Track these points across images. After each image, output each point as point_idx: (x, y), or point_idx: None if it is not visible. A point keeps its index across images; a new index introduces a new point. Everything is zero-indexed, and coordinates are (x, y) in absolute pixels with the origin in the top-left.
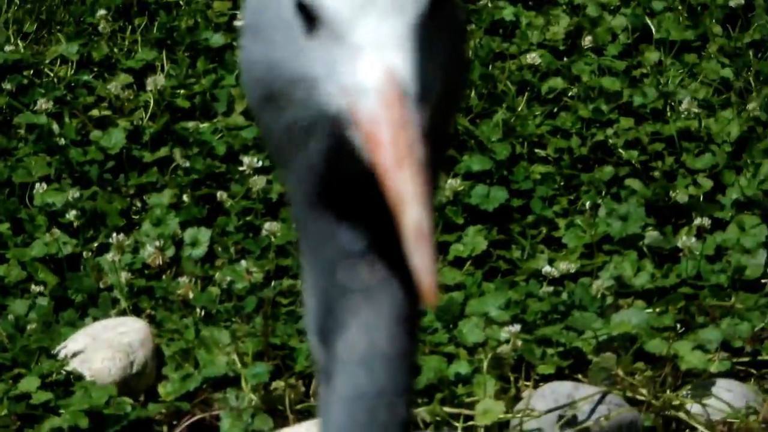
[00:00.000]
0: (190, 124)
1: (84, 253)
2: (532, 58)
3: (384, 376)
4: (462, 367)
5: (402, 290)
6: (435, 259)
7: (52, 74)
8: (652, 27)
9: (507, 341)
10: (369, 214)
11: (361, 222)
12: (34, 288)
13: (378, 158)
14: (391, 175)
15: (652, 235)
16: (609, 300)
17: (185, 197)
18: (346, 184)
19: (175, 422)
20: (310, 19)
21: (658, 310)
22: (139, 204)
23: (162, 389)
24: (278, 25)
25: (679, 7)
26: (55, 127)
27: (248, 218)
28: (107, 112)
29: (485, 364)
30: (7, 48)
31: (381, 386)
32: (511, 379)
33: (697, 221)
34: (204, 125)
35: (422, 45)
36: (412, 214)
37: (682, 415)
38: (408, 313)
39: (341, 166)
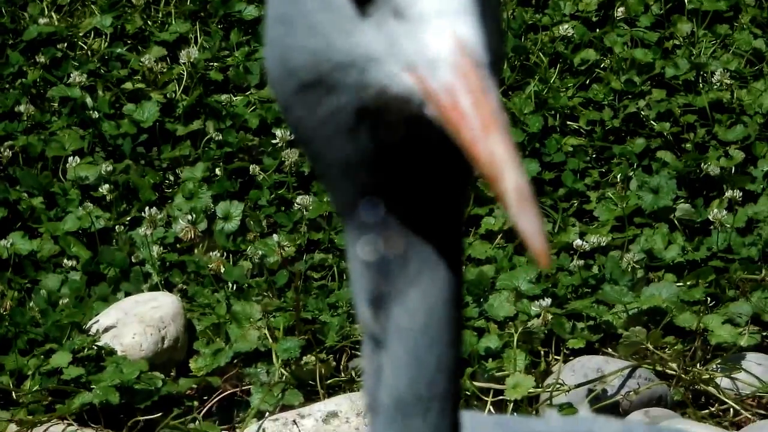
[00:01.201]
0: (223, 97)
1: (116, 227)
2: (565, 29)
3: (441, 345)
4: (492, 342)
5: (443, 262)
6: (541, 220)
7: (85, 47)
8: None
9: (537, 315)
10: (397, 188)
11: (386, 196)
12: (67, 262)
13: (461, 128)
14: (479, 142)
15: (683, 207)
16: (639, 273)
17: (218, 171)
18: (384, 162)
19: (206, 397)
20: None
21: (688, 283)
22: (171, 177)
23: (193, 364)
24: (321, 8)
25: None
26: (89, 100)
27: (280, 192)
28: (140, 85)
29: (515, 339)
30: (41, 21)
31: (439, 354)
32: (541, 353)
33: (728, 193)
34: (237, 98)
35: (481, 14)
36: (511, 177)
37: (711, 389)
38: (457, 283)
39: (392, 144)
